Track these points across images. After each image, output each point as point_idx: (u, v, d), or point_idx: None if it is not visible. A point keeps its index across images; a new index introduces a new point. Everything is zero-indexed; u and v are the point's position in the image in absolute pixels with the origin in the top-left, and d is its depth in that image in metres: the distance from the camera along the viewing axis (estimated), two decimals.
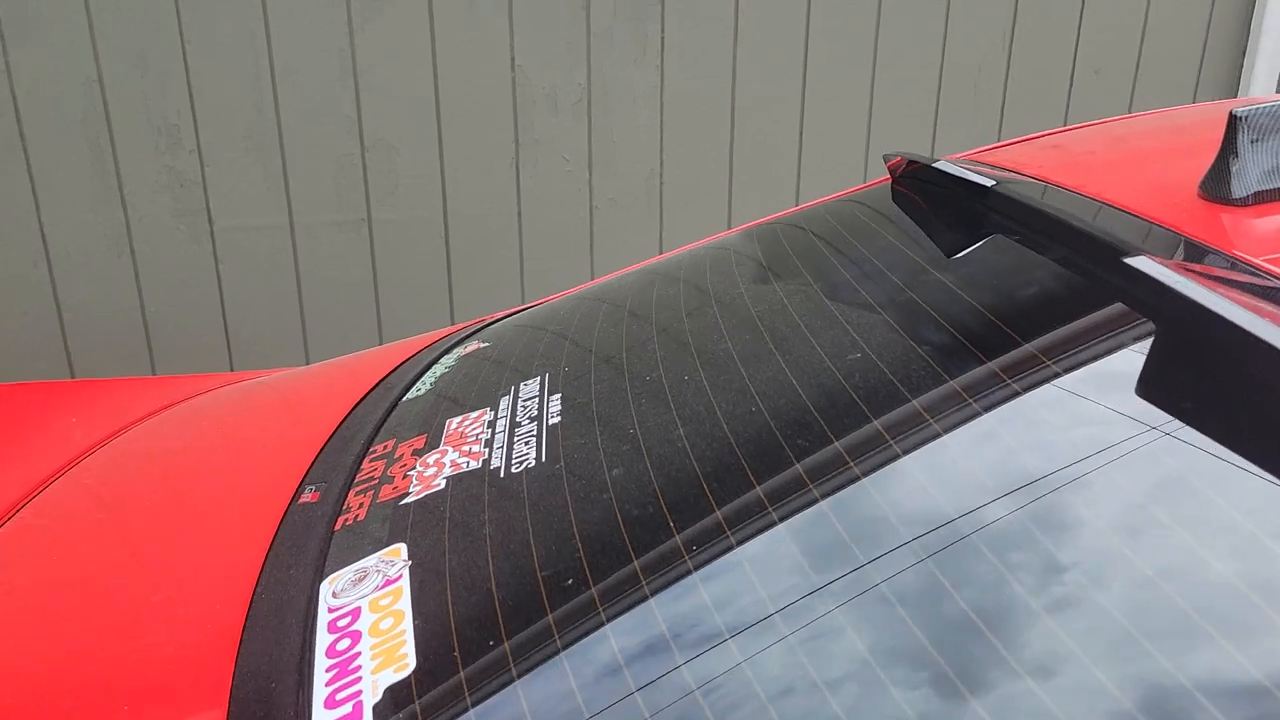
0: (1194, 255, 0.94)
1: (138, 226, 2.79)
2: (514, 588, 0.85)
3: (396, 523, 1.01)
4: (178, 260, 2.85)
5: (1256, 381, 0.74)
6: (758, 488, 0.84)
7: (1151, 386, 0.80)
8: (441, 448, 1.12)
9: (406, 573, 0.91)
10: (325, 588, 0.94)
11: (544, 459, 1.01)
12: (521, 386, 1.20)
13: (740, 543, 0.79)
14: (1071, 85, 3.45)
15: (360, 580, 0.93)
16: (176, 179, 2.78)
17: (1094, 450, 0.75)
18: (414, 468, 1.10)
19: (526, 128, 3.01)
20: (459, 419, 1.18)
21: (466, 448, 1.10)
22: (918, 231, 1.29)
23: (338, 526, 1.04)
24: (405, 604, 0.87)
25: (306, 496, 1.11)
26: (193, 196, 2.81)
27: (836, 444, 0.86)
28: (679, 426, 0.97)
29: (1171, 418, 0.76)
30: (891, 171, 1.55)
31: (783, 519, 0.80)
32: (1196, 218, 1.01)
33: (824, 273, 1.23)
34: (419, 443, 1.16)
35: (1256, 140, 1.02)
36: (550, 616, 0.80)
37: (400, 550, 0.95)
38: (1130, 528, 0.71)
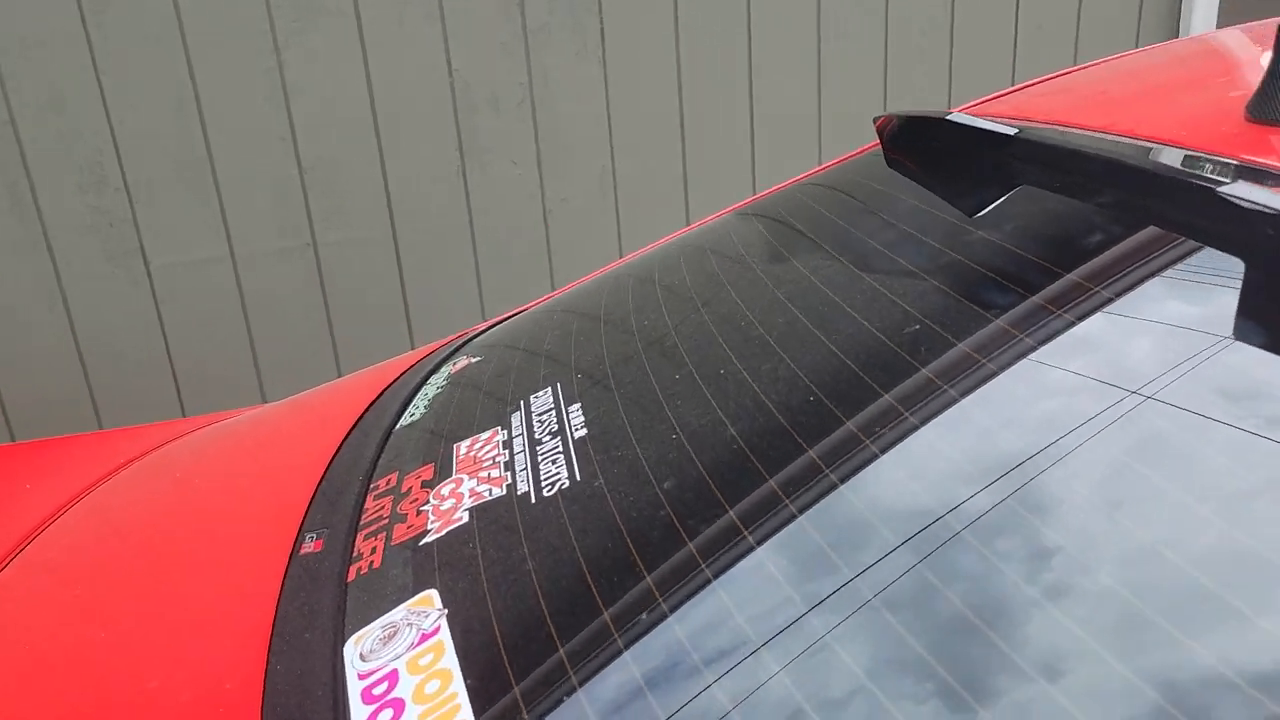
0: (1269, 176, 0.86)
1: (67, 272, 2.62)
2: (576, 629, 0.74)
3: (420, 566, 0.89)
4: (115, 305, 2.68)
5: None
6: (840, 484, 0.74)
7: (1261, 329, 0.72)
8: (455, 476, 1.01)
9: (445, 623, 0.80)
10: (350, 650, 0.82)
11: (579, 477, 0.90)
12: (531, 400, 1.09)
13: (836, 552, 0.69)
14: (1016, 41, 3.42)
15: (391, 637, 0.81)
16: (105, 219, 2.62)
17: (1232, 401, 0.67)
18: (428, 502, 0.99)
19: (470, 133, 2.89)
20: (468, 443, 1.07)
21: (485, 473, 0.99)
22: (932, 193, 1.20)
23: (351, 577, 0.92)
24: (450, 661, 0.75)
25: (308, 546, 0.99)
26: (124, 236, 2.65)
27: (915, 422, 0.77)
28: (729, 426, 0.87)
29: None
30: (880, 132, 1.46)
31: (879, 513, 0.70)
32: (1258, 141, 0.93)
33: (847, 246, 1.14)
34: (427, 473, 1.05)
35: None
36: (629, 656, 0.69)
37: (432, 598, 0.84)
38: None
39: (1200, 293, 0.81)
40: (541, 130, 2.97)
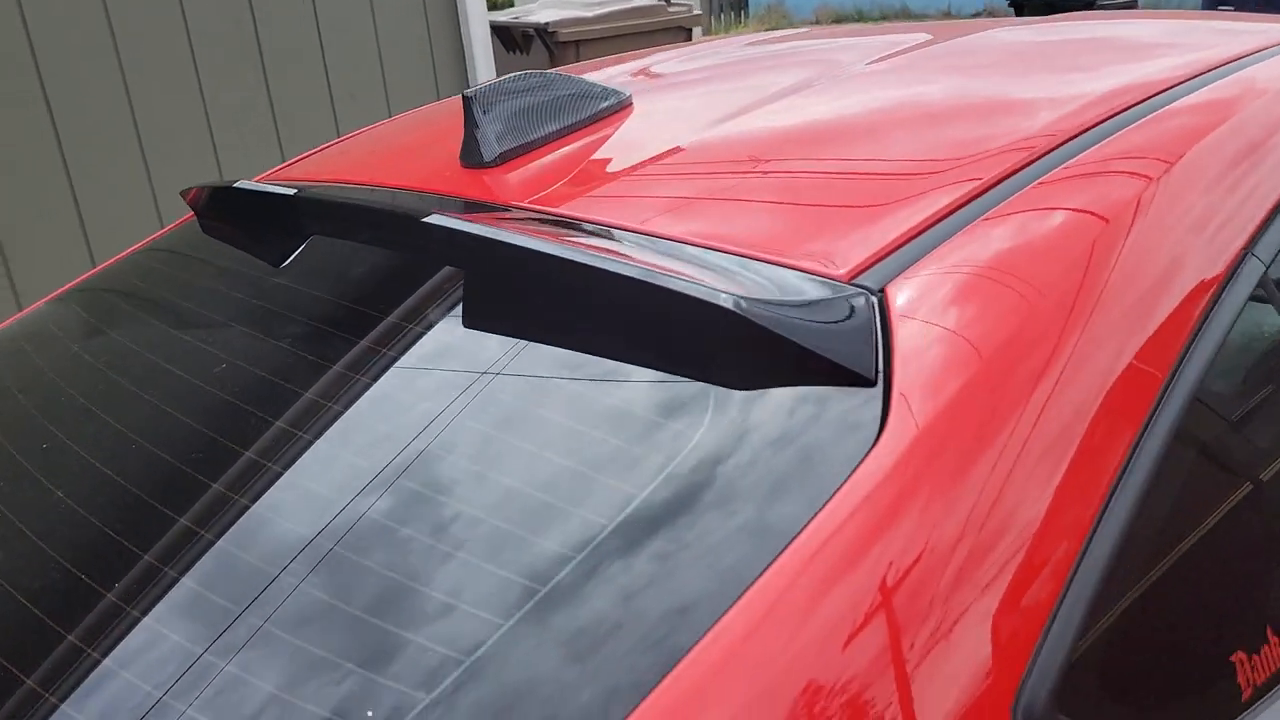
0: (471, 208, 1.17)
1: None
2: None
3: None
4: None
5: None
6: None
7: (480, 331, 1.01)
8: None
9: None
10: None
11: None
12: None
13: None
14: (334, 110, 3.73)
15: None
16: None
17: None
18: None
19: None
20: None
21: None
22: (242, 255, 1.38)
23: None
24: None
25: None
26: None
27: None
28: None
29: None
30: (192, 205, 1.60)
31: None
32: (463, 181, 1.25)
33: (175, 319, 1.27)
34: None
35: (487, 111, 1.30)
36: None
37: None
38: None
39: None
40: None
